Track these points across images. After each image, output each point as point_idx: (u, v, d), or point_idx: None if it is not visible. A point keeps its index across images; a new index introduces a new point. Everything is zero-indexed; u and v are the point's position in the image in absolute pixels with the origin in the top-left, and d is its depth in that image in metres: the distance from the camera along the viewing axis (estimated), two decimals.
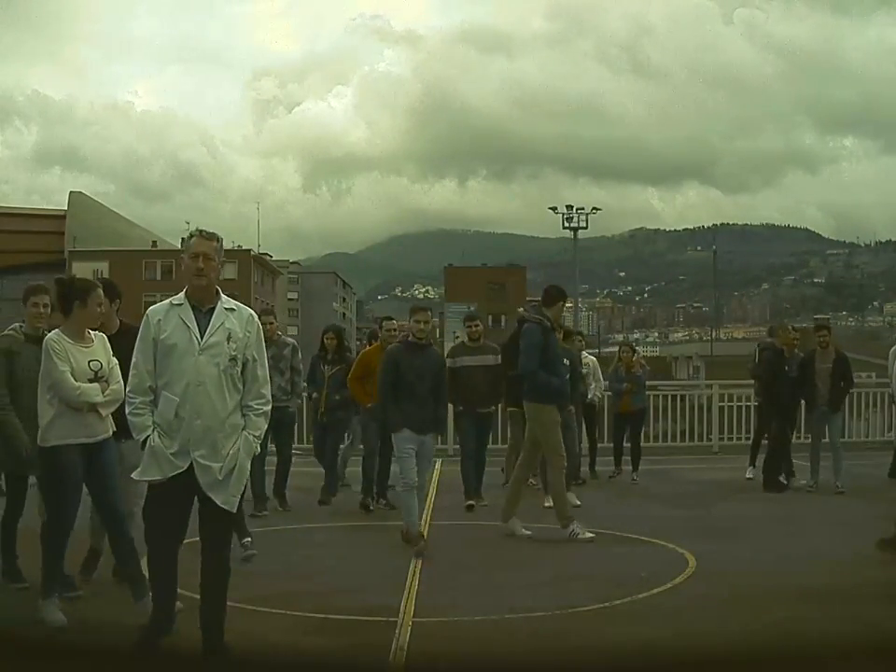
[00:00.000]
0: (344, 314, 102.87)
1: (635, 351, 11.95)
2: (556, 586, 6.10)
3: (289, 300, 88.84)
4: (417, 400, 7.29)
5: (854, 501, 9.43)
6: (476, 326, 9.65)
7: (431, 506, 8.51)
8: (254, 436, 4.45)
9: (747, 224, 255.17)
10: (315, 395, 9.55)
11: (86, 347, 5.23)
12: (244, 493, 4.58)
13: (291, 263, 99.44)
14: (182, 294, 4.47)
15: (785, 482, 10.33)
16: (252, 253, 66.40)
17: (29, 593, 5.37)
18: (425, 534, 7.27)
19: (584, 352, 11.29)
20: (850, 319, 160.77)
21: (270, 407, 4.58)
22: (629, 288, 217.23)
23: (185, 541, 4.51)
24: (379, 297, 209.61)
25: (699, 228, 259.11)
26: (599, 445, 11.54)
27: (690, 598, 5.73)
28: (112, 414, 5.25)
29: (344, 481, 10.08)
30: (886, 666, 4.17)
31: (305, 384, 9.49)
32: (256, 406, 4.48)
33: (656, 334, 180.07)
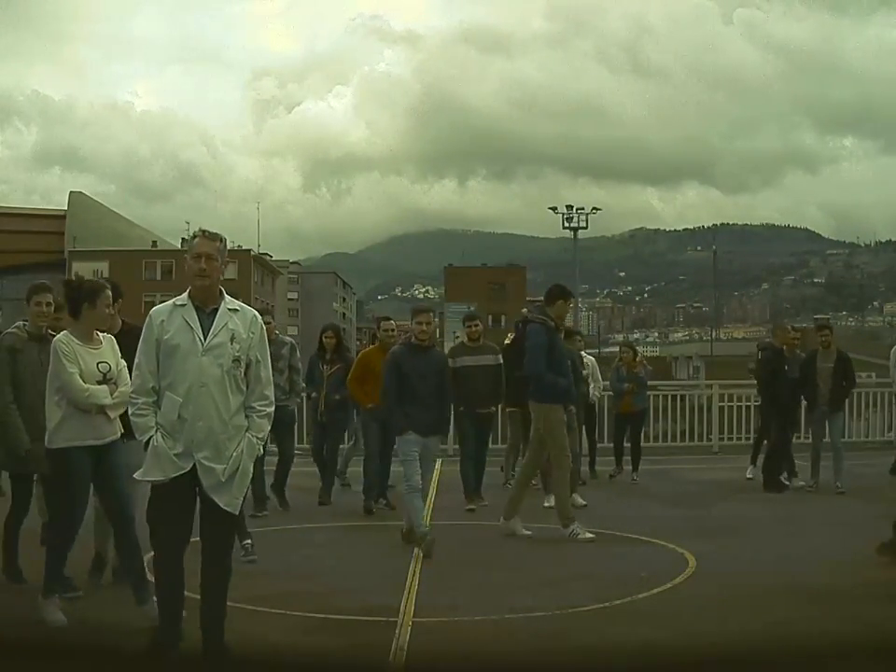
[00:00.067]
0: (344, 314, 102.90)
1: (635, 351, 11.95)
2: (556, 586, 6.09)
3: (289, 300, 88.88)
4: (421, 403, 7.28)
5: (854, 501, 9.42)
6: (475, 326, 9.65)
7: (431, 506, 8.51)
8: (257, 438, 4.44)
9: (747, 224, 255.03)
10: (314, 395, 9.55)
11: (95, 349, 5.23)
12: (245, 494, 4.58)
13: (291, 263, 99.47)
14: (185, 295, 4.46)
15: (787, 482, 10.34)
16: (252, 253, 66.40)
17: (29, 593, 5.36)
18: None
19: (583, 352, 11.29)
20: (850, 319, 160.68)
21: (273, 409, 4.56)
22: (629, 288, 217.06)
23: None
24: (379, 297, 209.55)
25: (699, 228, 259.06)
26: (599, 445, 11.54)
27: (690, 598, 5.73)
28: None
29: (345, 480, 10.09)
30: (886, 666, 4.16)
31: (304, 383, 9.49)
32: (259, 408, 4.46)
33: (656, 334, 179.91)
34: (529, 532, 7.66)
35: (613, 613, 5.42)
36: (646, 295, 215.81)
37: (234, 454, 4.36)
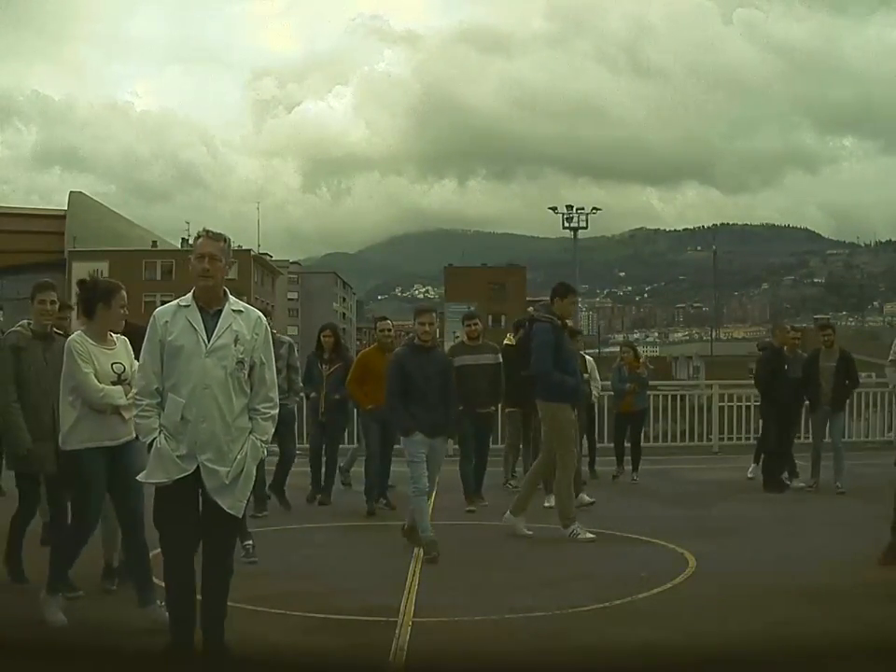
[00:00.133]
0: (344, 314, 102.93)
1: (637, 351, 11.95)
2: (556, 586, 6.10)
3: (289, 300, 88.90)
4: (426, 404, 7.25)
5: (854, 501, 9.43)
6: (475, 325, 9.64)
7: (432, 506, 8.50)
8: (261, 440, 4.43)
9: (746, 224, 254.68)
10: (313, 395, 9.54)
11: (109, 350, 5.19)
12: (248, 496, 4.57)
13: (291, 263, 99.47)
14: (189, 295, 4.43)
15: (788, 481, 10.34)
16: (252, 253, 66.39)
17: (30, 593, 5.36)
18: None
19: (582, 352, 11.28)
20: (850, 319, 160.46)
21: (277, 411, 4.55)
22: (629, 288, 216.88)
23: None
24: (379, 297, 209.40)
25: (699, 228, 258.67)
26: (598, 445, 11.54)
27: (690, 598, 5.74)
28: None
29: (347, 479, 10.08)
30: (886, 666, 4.16)
31: (302, 383, 9.47)
32: (263, 410, 4.45)
33: (656, 334, 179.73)
34: (530, 532, 7.66)
35: (613, 613, 5.42)
36: (646, 295, 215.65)
37: (238, 456, 4.34)
